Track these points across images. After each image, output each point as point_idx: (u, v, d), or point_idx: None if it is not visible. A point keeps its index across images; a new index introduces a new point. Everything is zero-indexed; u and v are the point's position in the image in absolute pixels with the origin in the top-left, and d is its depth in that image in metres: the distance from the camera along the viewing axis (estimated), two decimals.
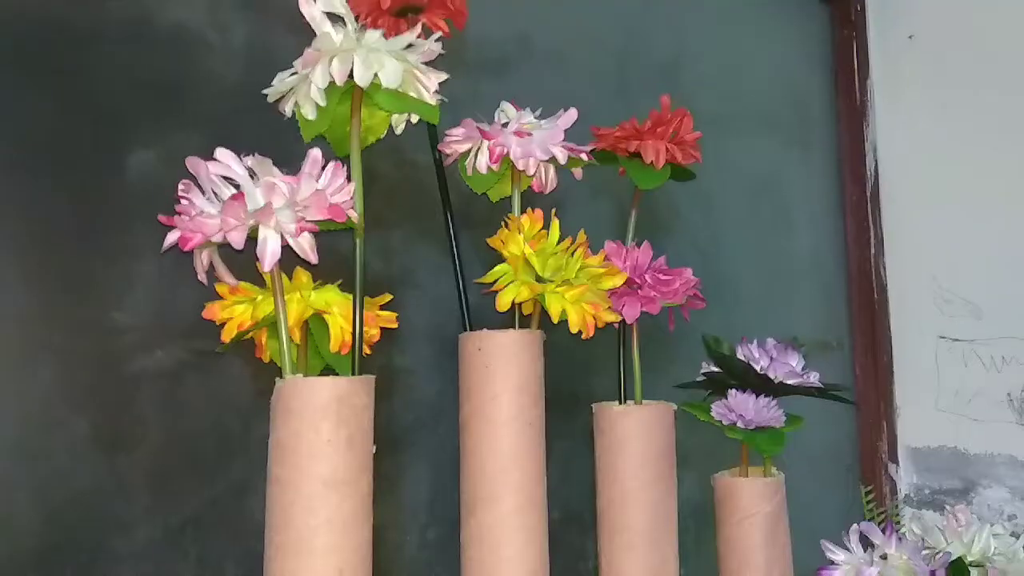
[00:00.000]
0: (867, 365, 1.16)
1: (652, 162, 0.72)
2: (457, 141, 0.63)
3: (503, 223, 0.62)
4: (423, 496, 0.72)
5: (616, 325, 0.72)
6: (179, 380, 0.60)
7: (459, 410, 0.64)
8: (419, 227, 0.74)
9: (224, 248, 0.51)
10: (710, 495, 0.80)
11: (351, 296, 0.54)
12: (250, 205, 0.47)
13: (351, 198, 0.51)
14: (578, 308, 0.60)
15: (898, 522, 0.78)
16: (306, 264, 0.52)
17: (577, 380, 0.85)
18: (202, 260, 0.52)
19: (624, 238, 0.75)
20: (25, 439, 0.54)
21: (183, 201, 0.49)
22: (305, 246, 0.49)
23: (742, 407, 0.73)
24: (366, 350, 0.58)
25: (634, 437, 0.71)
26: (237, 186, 0.49)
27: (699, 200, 1.01)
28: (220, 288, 0.54)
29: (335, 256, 0.62)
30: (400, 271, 0.73)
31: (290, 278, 0.55)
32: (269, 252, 0.48)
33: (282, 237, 0.48)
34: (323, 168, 0.51)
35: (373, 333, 0.56)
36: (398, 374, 0.72)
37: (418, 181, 0.73)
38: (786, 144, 1.15)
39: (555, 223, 0.62)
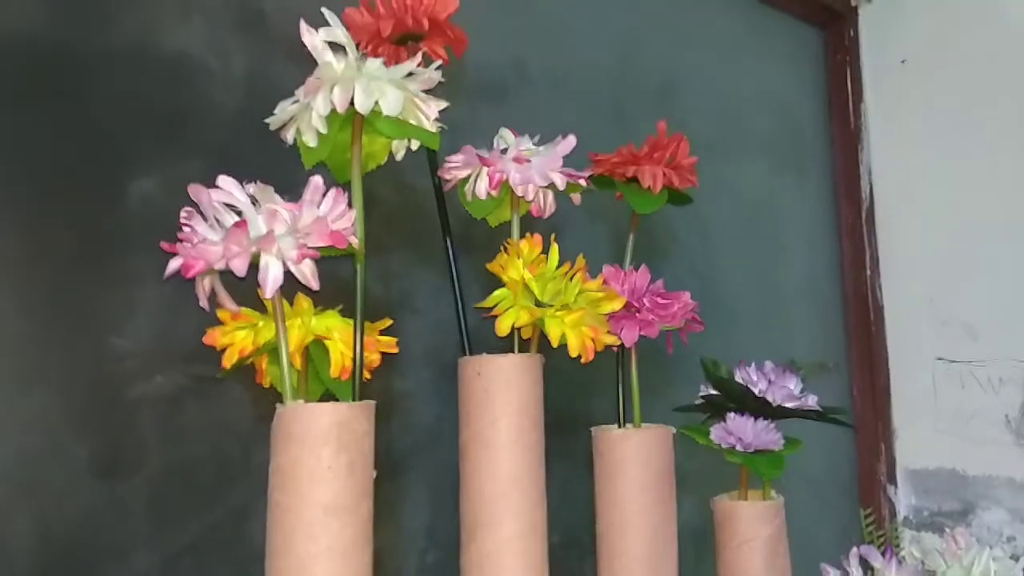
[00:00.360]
0: (864, 387, 1.17)
1: (649, 187, 0.72)
2: (456, 167, 0.64)
3: (502, 248, 0.63)
4: (422, 520, 0.72)
5: (615, 348, 0.73)
6: (179, 405, 0.60)
7: (458, 434, 0.64)
8: (419, 252, 0.74)
9: (226, 274, 0.52)
10: (709, 519, 0.80)
11: (351, 321, 0.55)
12: (252, 232, 0.48)
13: (352, 224, 0.51)
14: (577, 332, 0.61)
15: (897, 545, 0.78)
16: (307, 290, 0.53)
17: (576, 403, 0.85)
18: (204, 286, 0.52)
19: (622, 262, 0.76)
20: (24, 464, 0.54)
21: (185, 228, 0.49)
22: (307, 272, 0.49)
23: (741, 430, 0.73)
24: (366, 375, 0.58)
25: (633, 460, 0.71)
26: (239, 213, 0.49)
27: (696, 224, 1.02)
28: (221, 314, 0.54)
29: (336, 281, 0.62)
30: (400, 295, 0.73)
31: (291, 304, 0.55)
32: (271, 279, 0.48)
33: (284, 264, 0.49)
34: (324, 195, 0.51)
35: (373, 358, 0.56)
36: (397, 398, 0.72)
37: (418, 206, 0.73)
38: (781, 168, 1.16)
39: (554, 248, 0.63)
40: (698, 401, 0.80)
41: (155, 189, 0.60)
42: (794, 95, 1.21)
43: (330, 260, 0.58)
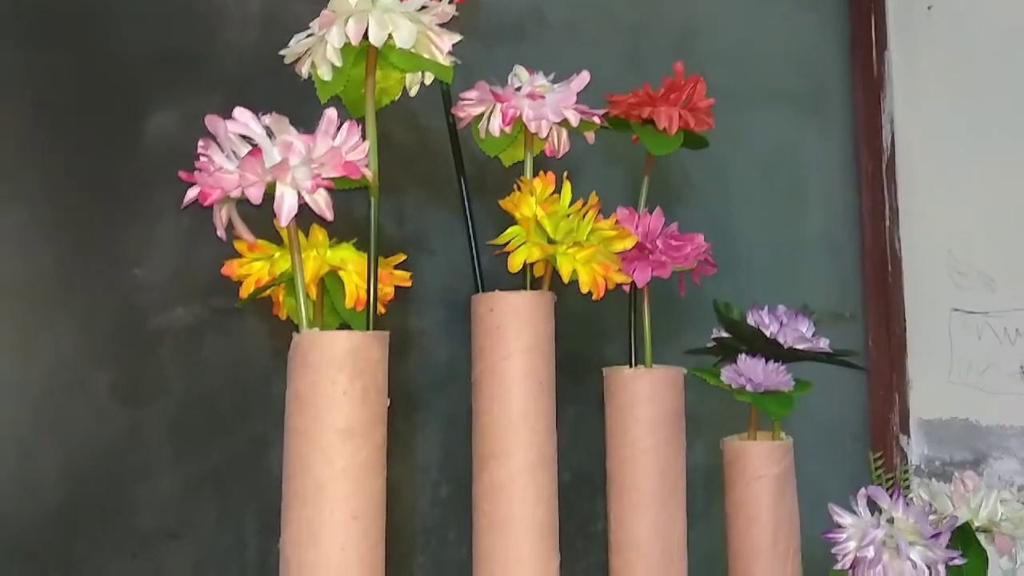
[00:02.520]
0: (880, 337, 1.17)
1: (665, 128, 0.72)
2: (471, 104, 0.64)
3: (515, 186, 0.63)
4: (435, 455, 0.74)
5: (627, 289, 0.73)
6: (199, 337, 0.61)
7: (472, 369, 0.65)
8: (433, 193, 0.75)
9: (242, 206, 0.53)
10: (719, 461, 0.82)
11: (365, 254, 0.56)
12: (267, 162, 0.49)
13: (366, 156, 0.52)
14: (588, 269, 0.61)
15: (907, 487, 0.79)
16: (322, 223, 0.54)
17: (589, 346, 0.86)
18: (221, 217, 0.53)
19: (636, 206, 0.76)
20: (49, 394, 0.56)
21: (203, 158, 0.50)
22: (321, 202, 0.50)
23: (751, 371, 0.73)
24: (381, 309, 0.59)
25: (644, 400, 0.72)
26: (255, 144, 0.50)
27: (713, 172, 1.02)
28: (238, 245, 0.55)
29: (351, 219, 0.63)
30: (414, 235, 0.74)
31: (307, 236, 0.56)
32: (286, 208, 0.49)
33: (299, 194, 0.50)
34: (338, 128, 0.52)
35: (387, 291, 0.58)
36: (413, 336, 0.73)
37: (432, 147, 0.74)
38: (801, 117, 1.15)
39: (567, 186, 0.63)
40: (710, 344, 0.81)
41: (173, 125, 0.61)
42: (816, 42, 1.19)
43: (345, 198, 0.59)
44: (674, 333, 0.91)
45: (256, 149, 0.49)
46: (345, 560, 0.51)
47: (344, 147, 0.51)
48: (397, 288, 0.60)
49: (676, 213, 0.92)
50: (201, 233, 0.59)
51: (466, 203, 0.67)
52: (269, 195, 0.50)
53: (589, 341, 0.86)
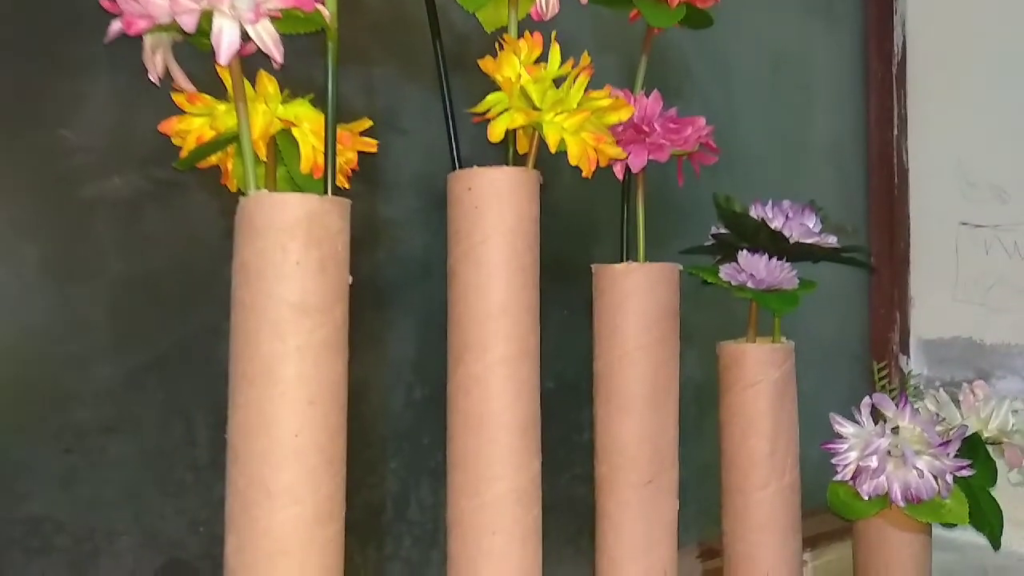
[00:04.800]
0: (883, 253, 1.11)
1: None
2: None
3: (497, 44, 0.56)
4: (408, 354, 0.68)
5: (620, 177, 0.67)
6: (139, 210, 0.55)
7: (447, 257, 0.59)
8: (406, 65, 0.67)
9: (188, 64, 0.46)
10: (714, 373, 0.76)
11: (324, 113, 0.49)
12: None
13: None
14: (578, 139, 0.55)
15: (916, 397, 0.74)
16: (273, 73, 0.47)
17: (576, 248, 0.80)
18: (156, 62, 0.46)
19: (632, 88, 0.69)
20: None
21: None
22: (265, 37, 0.43)
23: (753, 267, 0.68)
24: (343, 181, 0.52)
25: (636, 296, 0.66)
26: None
27: (715, 68, 0.94)
28: (177, 98, 0.48)
29: (311, 87, 0.56)
30: (385, 112, 0.67)
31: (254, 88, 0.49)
32: (225, 42, 0.42)
33: (240, 27, 0.42)
34: None
35: (350, 156, 0.51)
36: (382, 226, 0.67)
37: (404, 14, 0.66)
38: (810, 18, 1.07)
39: (555, 48, 0.56)
40: (707, 244, 0.75)
41: None
42: None
43: (304, 64, 0.52)
44: (668, 237, 0.85)
45: None
46: (299, 448, 0.45)
47: None
48: (365, 172, 0.53)
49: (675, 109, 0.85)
50: (142, 92, 0.51)
51: (442, 70, 0.60)
52: (204, 32, 0.43)
53: (576, 243, 0.80)
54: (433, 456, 0.69)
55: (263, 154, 0.49)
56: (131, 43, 0.46)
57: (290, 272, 0.45)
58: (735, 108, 0.97)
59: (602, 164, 0.58)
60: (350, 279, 0.49)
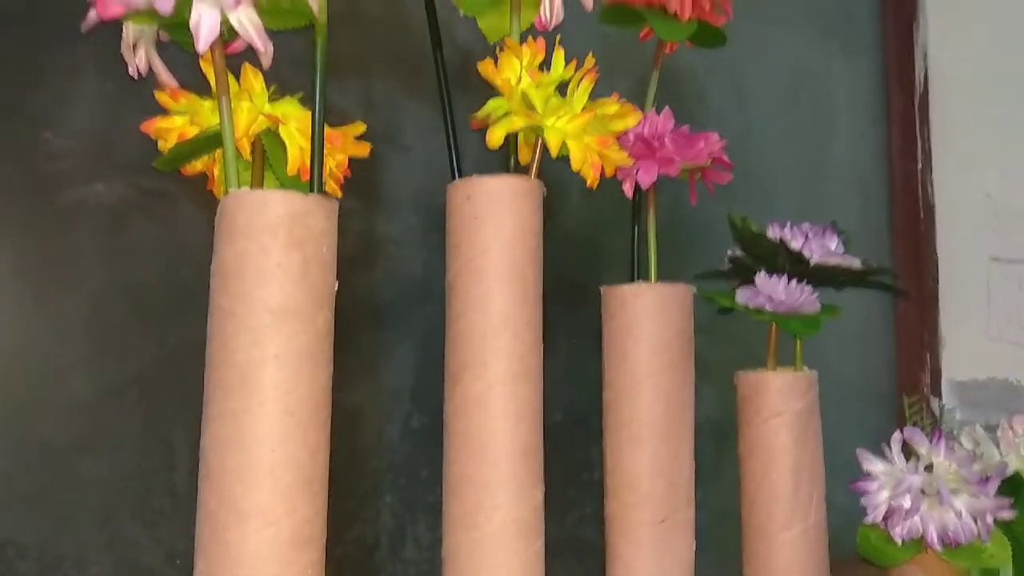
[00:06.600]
0: (910, 290, 1.07)
1: (676, 12, 0.63)
2: None
3: (497, 48, 0.54)
4: (407, 381, 0.65)
5: (630, 195, 0.64)
6: (123, 219, 0.52)
7: (446, 272, 0.56)
8: (408, 78, 0.66)
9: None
10: (732, 413, 0.72)
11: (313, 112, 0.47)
12: None
13: None
14: (581, 144, 0.52)
15: (952, 433, 0.69)
16: (259, 68, 0.45)
17: (585, 273, 0.76)
18: (139, 58, 0.45)
19: (642, 106, 0.66)
20: None
21: None
22: (247, 25, 0.41)
23: (772, 288, 0.64)
24: (335, 189, 0.50)
25: (647, 318, 0.62)
26: None
27: (731, 92, 0.92)
28: (161, 96, 0.46)
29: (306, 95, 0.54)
30: (385, 128, 0.65)
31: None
32: (205, 30, 0.40)
33: (222, 14, 0.41)
34: None
35: (340, 159, 0.48)
36: (381, 243, 0.64)
37: (407, 22, 0.65)
38: (827, 43, 1.05)
39: (559, 53, 0.54)
40: (723, 268, 0.71)
41: None
42: None
43: (299, 72, 0.50)
44: (681, 264, 0.82)
45: None
46: (276, 464, 0.41)
47: None
48: (363, 189, 0.51)
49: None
50: (129, 97, 0.50)
51: (442, 80, 0.58)
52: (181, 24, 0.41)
53: (585, 268, 0.76)
54: (432, 491, 0.65)
55: (247, 153, 0.46)
56: (117, 46, 0.45)
57: (270, 274, 0.42)
58: (752, 133, 0.94)
59: (607, 173, 0.55)
60: (336, 284, 0.46)
